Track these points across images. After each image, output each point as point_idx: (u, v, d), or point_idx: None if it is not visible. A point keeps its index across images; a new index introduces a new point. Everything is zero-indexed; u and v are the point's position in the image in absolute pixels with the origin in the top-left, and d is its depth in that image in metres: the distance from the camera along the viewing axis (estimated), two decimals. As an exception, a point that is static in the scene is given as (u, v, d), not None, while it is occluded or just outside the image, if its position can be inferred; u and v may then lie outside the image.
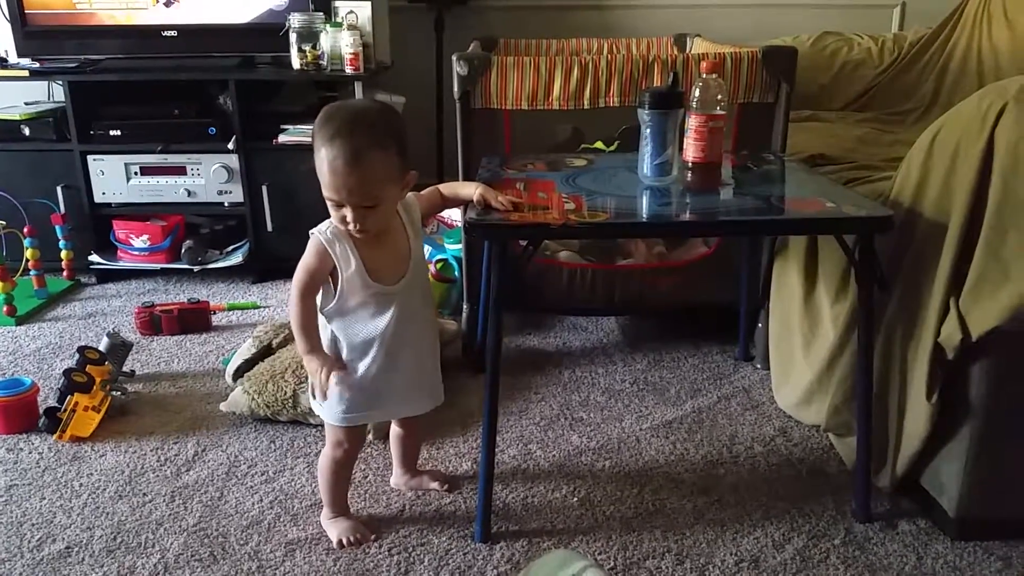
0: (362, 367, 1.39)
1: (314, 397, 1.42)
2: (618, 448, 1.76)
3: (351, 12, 2.65)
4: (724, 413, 1.90)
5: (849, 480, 1.60)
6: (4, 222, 2.58)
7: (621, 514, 1.55)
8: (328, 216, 1.35)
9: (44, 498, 1.61)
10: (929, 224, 1.38)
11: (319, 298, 1.38)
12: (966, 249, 1.31)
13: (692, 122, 1.55)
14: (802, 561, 1.41)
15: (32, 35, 2.70)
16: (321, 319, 1.39)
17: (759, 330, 2.08)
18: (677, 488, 1.62)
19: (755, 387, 2.01)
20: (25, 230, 2.55)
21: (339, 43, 2.60)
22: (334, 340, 1.39)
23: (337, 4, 2.66)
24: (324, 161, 1.28)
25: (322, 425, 1.78)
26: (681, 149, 1.60)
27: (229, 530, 1.51)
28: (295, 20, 2.59)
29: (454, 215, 2.61)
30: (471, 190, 1.49)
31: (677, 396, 1.98)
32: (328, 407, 1.42)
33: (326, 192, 1.31)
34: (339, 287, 1.35)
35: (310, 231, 1.37)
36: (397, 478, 1.64)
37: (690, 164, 1.58)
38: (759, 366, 2.09)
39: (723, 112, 1.55)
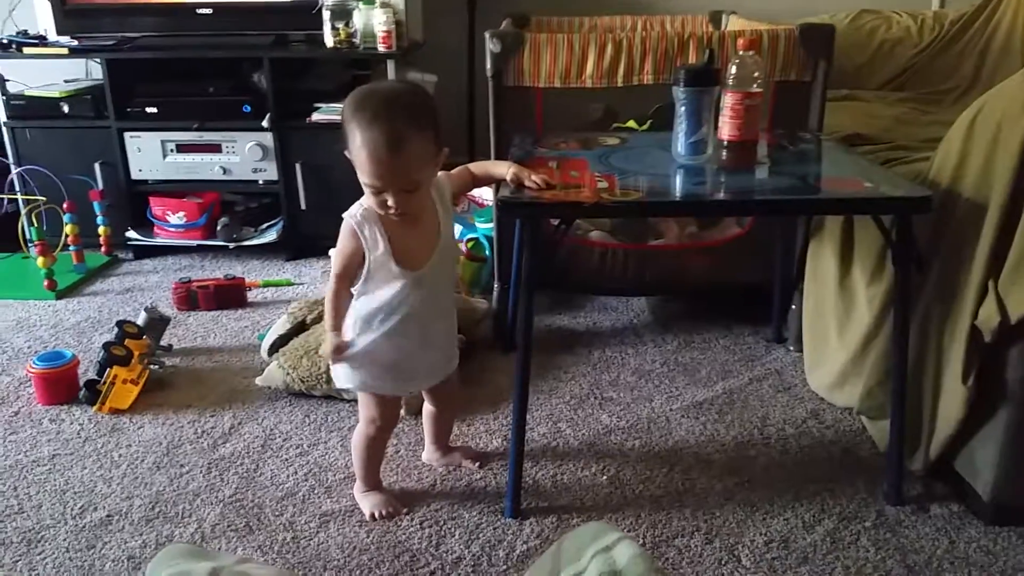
0: (384, 344, 1.40)
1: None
2: (648, 428, 1.77)
3: (384, -10, 2.64)
4: (755, 395, 1.89)
5: (881, 463, 1.59)
6: (44, 198, 2.63)
7: (651, 493, 1.55)
8: (357, 197, 1.36)
9: (85, 468, 1.66)
10: (968, 205, 1.36)
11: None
12: (1006, 231, 1.29)
13: (728, 100, 1.54)
14: (832, 543, 1.41)
15: (71, 13, 2.74)
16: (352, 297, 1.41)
17: (792, 312, 2.06)
18: (707, 468, 1.63)
19: (787, 369, 2.00)
20: (64, 206, 2.60)
21: (372, 21, 2.60)
22: (364, 316, 1.40)
23: (370, -19, 2.66)
24: (364, 148, 1.26)
25: (355, 400, 1.81)
26: (716, 127, 1.59)
27: (264, 501, 1.54)
28: (328, -3, 2.60)
29: (485, 194, 2.61)
30: (503, 169, 1.49)
31: (708, 377, 1.97)
32: (347, 377, 1.45)
33: (366, 179, 1.30)
34: (367, 267, 1.36)
35: (343, 215, 1.37)
36: (429, 454, 1.66)
37: (725, 143, 1.57)
38: (791, 348, 2.08)
39: (759, 90, 1.54)
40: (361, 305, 1.40)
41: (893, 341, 1.46)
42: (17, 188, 2.75)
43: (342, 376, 1.46)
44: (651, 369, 2.01)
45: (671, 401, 1.87)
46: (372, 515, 1.49)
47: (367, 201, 1.35)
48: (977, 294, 1.33)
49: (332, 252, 1.42)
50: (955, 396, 1.40)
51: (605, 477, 1.60)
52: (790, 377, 1.96)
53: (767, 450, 1.68)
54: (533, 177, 1.44)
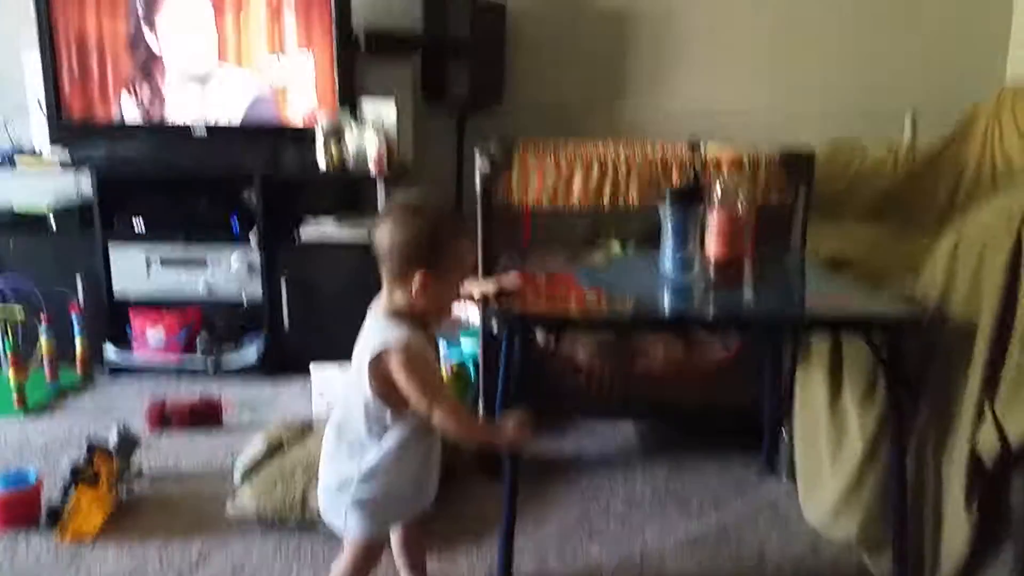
0: (412, 465, 1.37)
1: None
2: (640, 565, 1.68)
3: (376, 113, 2.71)
4: (750, 529, 1.82)
5: (885, 600, 1.52)
6: (20, 308, 2.56)
7: (644, 635, 1.46)
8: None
9: (40, 603, 1.55)
10: (958, 327, 1.35)
11: (382, 406, 1.32)
12: (998, 352, 1.28)
13: (714, 218, 1.55)
14: None
15: (65, 128, 2.77)
16: (363, 426, 1.34)
17: (783, 441, 2.01)
18: (703, 608, 1.54)
19: (781, 500, 1.93)
20: (43, 318, 2.54)
21: (364, 143, 2.65)
22: (400, 442, 1.34)
23: (364, 105, 2.73)
24: (468, 247, 1.39)
25: (329, 532, 1.72)
26: (702, 247, 1.60)
27: (230, 641, 1.44)
28: (323, 120, 2.65)
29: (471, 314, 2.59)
30: (474, 287, 1.52)
31: (700, 508, 1.90)
32: (339, 518, 1.38)
33: (464, 277, 1.39)
34: None
35: (391, 347, 1.29)
36: (409, 589, 1.56)
37: (712, 260, 1.57)
38: (784, 479, 2.01)
39: (745, 208, 1.55)
40: (398, 431, 1.34)
41: (891, 468, 1.42)
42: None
43: (360, 528, 1.37)
44: (641, 499, 1.94)
45: (663, 535, 1.79)
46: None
47: (401, 328, 1.32)
48: (973, 417, 1.30)
49: (414, 391, 1.29)
50: (959, 524, 1.34)
51: (595, 617, 1.51)
52: (784, 509, 1.89)
53: (766, 589, 1.60)
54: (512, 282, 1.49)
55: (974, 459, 1.31)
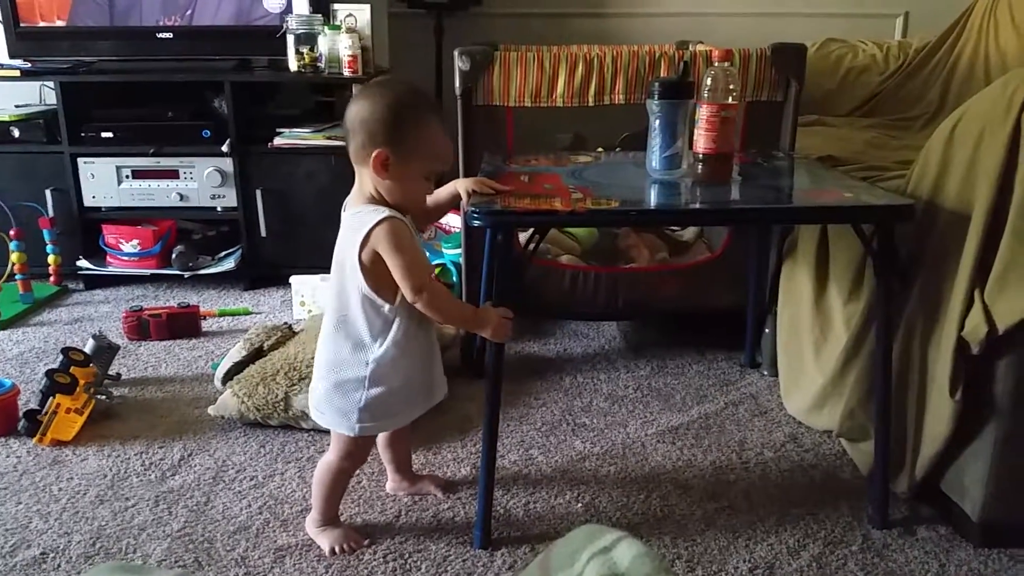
0: (415, 361, 1.35)
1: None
2: (623, 454, 1.69)
3: (350, 15, 2.61)
4: (732, 419, 1.83)
5: (864, 486, 1.54)
6: (-11, 225, 2.51)
7: (628, 520, 1.48)
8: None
9: (20, 503, 1.53)
10: (951, 214, 1.33)
11: (378, 299, 1.28)
12: (991, 238, 1.26)
13: (703, 112, 1.50)
14: (819, 568, 1.34)
15: (24, 36, 2.65)
16: (364, 323, 1.31)
17: (766, 336, 2.02)
18: (686, 494, 1.55)
19: (762, 393, 1.94)
20: (11, 233, 2.48)
21: (337, 46, 2.56)
22: (405, 333, 1.31)
23: (336, 7, 2.62)
24: (437, 132, 1.29)
25: (314, 430, 1.72)
26: (691, 142, 1.55)
27: (215, 536, 1.44)
28: (293, 21, 2.55)
29: (452, 221, 2.55)
30: (449, 189, 1.45)
31: (683, 402, 1.91)
32: (346, 419, 1.34)
33: (431, 165, 1.29)
34: None
35: (374, 224, 1.25)
36: (394, 483, 1.57)
37: (701, 156, 1.53)
38: (766, 373, 2.03)
39: (735, 102, 1.50)
40: (400, 322, 1.30)
41: (876, 356, 1.42)
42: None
43: (367, 428, 1.35)
44: (624, 395, 1.95)
45: (646, 426, 1.80)
46: (333, 550, 1.39)
47: (381, 210, 1.27)
48: (963, 305, 1.29)
49: (400, 268, 1.25)
50: (942, 412, 1.35)
51: (580, 504, 1.52)
52: (766, 401, 1.90)
53: (747, 475, 1.62)
54: (492, 185, 1.41)
55: (960, 347, 1.31)
